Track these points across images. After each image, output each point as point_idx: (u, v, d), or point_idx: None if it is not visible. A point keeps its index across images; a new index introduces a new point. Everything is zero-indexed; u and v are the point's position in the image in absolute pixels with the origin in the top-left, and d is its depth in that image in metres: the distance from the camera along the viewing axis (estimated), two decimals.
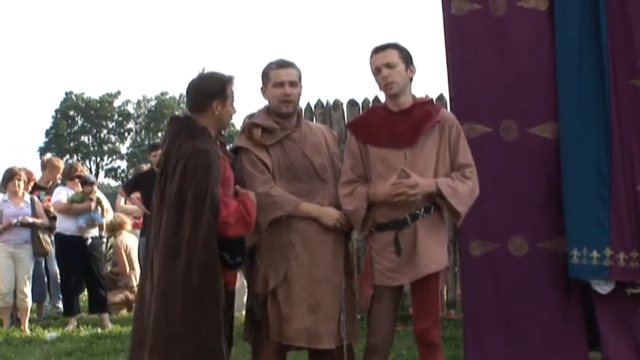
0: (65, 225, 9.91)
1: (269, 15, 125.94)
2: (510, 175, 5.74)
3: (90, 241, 9.95)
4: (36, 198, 10.19)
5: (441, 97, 9.17)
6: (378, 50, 5.18)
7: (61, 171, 11.06)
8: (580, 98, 5.57)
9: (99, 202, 10.06)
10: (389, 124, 5.12)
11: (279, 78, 5.21)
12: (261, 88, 5.27)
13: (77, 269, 9.94)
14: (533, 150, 5.73)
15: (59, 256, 10.11)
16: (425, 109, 5.10)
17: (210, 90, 4.98)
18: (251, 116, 5.33)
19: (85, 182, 10.12)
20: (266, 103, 5.29)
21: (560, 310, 5.70)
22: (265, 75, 5.24)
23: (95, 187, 10.25)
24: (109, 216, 10.49)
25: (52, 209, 10.18)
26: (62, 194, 10.08)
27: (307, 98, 9.91)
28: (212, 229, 4.72)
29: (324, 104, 9.73)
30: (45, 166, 11.27)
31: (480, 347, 5.78)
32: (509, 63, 5.75)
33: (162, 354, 4.69)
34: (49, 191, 10.71)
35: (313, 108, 9.79)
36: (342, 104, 9.43)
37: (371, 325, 5.14)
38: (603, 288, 5.55)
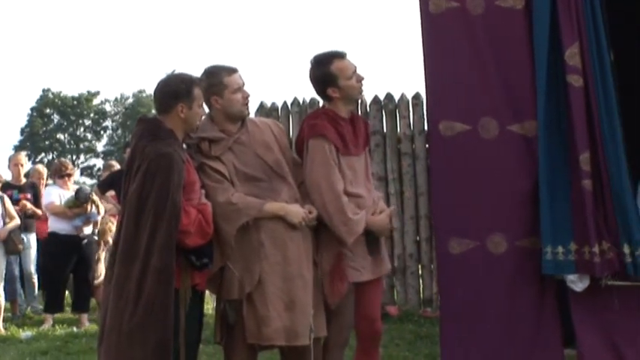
0: (59, 225, 9.92)
1: (247, 14, 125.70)
2: (489, 173, 5.73)
3: (85, 240, 9.99)
4: (6, 197, 10.11)
5: (417, 96, 9.20)
6: (345, 55, 5.33)
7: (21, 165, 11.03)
8: (555, 97, 5.58)
9: (93, 202, 10.06)
10: (348, 130, 5.32)
11: (237, 83, 5.24)
12: (213, 99, 5.21)
13: (68, 268, 9.95)
14: (513, 148, 5.73)
15: (51, 255, 10.08)
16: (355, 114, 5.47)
17: (176, 92, 4.97)
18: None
19: (79, 198, 10.04)
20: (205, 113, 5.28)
21: (536, 307, 5.70)
22: (219, 84, 5.21)
23: (91, 195, 10.21)
24: (102, 211, 10.45)
25: (28, 207, 10.16)
26: (54, 195, 10.09)
27: (284, 96, 9.92)
28: (171, 235, 4.72)
29: (301, 102, 9.75)
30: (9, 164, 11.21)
31: (457, 345, 5.78)
32: (487, 61, 5.75)
33: (115, 356, 4.72)
34: (22, 189, 10.67)
35: (290, 106, 9.81)
36: (318, 102, 9.43)
37: (346, 320, 5.33)
38: (578, 285, 5.56)
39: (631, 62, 6.59)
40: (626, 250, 5.46)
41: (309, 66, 5.44)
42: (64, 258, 9.98)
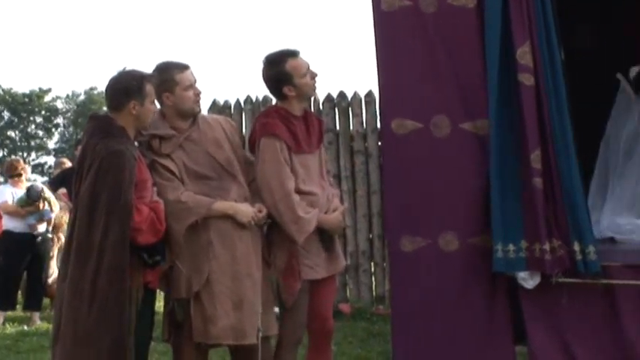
0: (13, 223, 9.90)
1: (199, 11, 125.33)
2: (441, 171, 5.75)
3: (40, 238, 9.95)
4: None
5: (370, 94, 9.24)
6: (298, 54, 5.40)
7: None
8: (506, 95, 5.61)
9: (46, 199, 10.00)
10: (301, 129, 5.35)
11: (189, 80, 5.24)
12: (165, 95, 5.20)
13: (22, 266, 9.93)
14: (465, 146, 5.75)
15: (5, 253, 10.05)
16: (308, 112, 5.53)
17: (128, 89, 4.96)
18: None
19: (31, 197, 9.98)
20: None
21: (487, 305, 5.74)
22: (170, 80, 5.20)
23: (43, 193, 10.14)
24: (56, 209, 10.38)
25: None
26: (7, 194, 10.08)
27: (237, 94, 9.93)
28: (124, 233, 4.72)
29: (254, 100, 9.75)
30: None
31: (408, 342, 5.80)
32: (439, 59, 5.76)
33: (70, 356, 4.69)
34: None
35: (242, 104, 9.81)
36: (271, 100, 9.42)
37: (300, 318, 5.35)
38: (528, 282, 5.59)
39: (581, 61, 6.65)
40: (577, 247, 5.50)
41: (261, 65, 5.45)
42: (18, 256, 9.98)
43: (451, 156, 5.74)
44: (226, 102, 9.96)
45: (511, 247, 5.55)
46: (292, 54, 5.42)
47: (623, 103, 6.54)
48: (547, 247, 5.50)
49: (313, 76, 5.46)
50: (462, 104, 5.74)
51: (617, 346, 5.61)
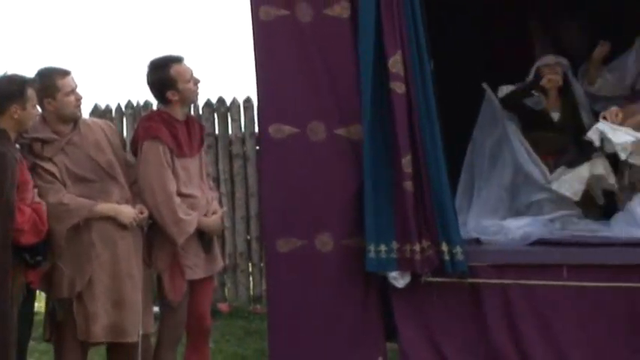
0: None
1: (80, 15, 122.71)
2: (317, 174, 5.89)
3: None
4: None
5: (248, 100, 9.34)
6: (183, 60, 5.51)
7: None
8: (379, 102, 5.78)
9: None
10: (183, 133, 5.46)
11: (70, 85, 5.29)
12: (46, 101, 5.25)
13: None
14: (340, 150, 5.90)
15: None
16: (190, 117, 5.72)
17: (9, 93, 4.96)
18: None
19: None
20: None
21: (360, 303, 5.90)
22: (52, 86, 5.24)
23: None
24: None
25: None
26: None
27: (118, 99, 9.92)
28: (6, 234, 4.75)
29: (135, 105, 9.76)
30: None
31: (284, 340, 5.95)
32: (315, 68, 5.90)
33: None
34: None
35: (124, 108, 9.80)
36: (152, 105, 9.45)
37: (181, 318, 5.49)
38: (399, 282, 5.79)
39: (449, 71, 6.87)
40: (445, 248, 5.72)
41: (146, 69, 5.53)
42: None
43: (326, 160, 5.88)
44: (107, 106, 9.91)
45: (383, 247, 5.73)
46: (177, 59, 5.51)
47: (489, 111, 6.76)
48: (417, 247, 5.70)
49: (196, 82, 5.57)
50: (336, 110, 5.89)
51: (483, 341, 5.86)
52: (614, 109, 6.29)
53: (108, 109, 9.92)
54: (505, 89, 6.88)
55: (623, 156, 6.05)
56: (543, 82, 6.68)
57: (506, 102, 6.76)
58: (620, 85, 7.03)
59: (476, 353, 5.90)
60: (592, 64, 7.00)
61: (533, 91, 6.78)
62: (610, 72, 7.06)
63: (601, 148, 6.18)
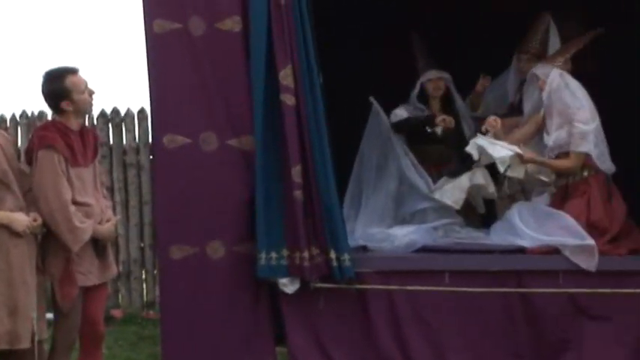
0: None
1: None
2: (210, 183, 5.99)
3: None
4: None
5: (142, 110, 9.41)
6: (78, 71, 5.58)
7: None
8: (270, 114, 5.92)
9: None
10: (77, 143, 5.52)
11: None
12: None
13: None
14: (231, 160, 6.02)
15: None
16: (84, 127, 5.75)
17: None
18: None
19: None
20: None
21: (250, 308, 6.04)
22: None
23: None
24: None
25: None
26: None
27: (12, 109, 9.86)
28: None
29: (29, 115, 9.75)
30: None
31: (177, 345, 6.04)
32: (208, 80, 6.00)
33: None
34: None
35: (18, 118, 9.78)
36: (46, 115, 9.44)
37: (74, 323, 5.54)
38: (289, 288, 5.95)
39: (338, 84, 7.03)
40: (333, 255, 5.88)
41: (42, 80, 5.57)
42: None
43: (218, 169, 6.00)
44: (2, 116, 9.87)
45: (273, 254, 5.89)
46: (72, 71, 5.56)
47: (376, 124, 6.99)
48: (306, 254, 5.86)
49: (91, 93, 5.62)
50: (228, 122, 6.01)
51: (369, 345, 6.07)
52: (491, 118, 6.56)
53: (3, 119, 9.88)
54: (399, 113, 7.10)
55: (501, 169, 6.30)
56: (438, 120, 6.95)
57: (398, 128, 7.01)
58: (501, 104, 7.32)
59: (364, 357, 6.09)
60: (475, 97, 7.34)
61: (426, 127, 7.05)
62: (492, 92, 7.39)
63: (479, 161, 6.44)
